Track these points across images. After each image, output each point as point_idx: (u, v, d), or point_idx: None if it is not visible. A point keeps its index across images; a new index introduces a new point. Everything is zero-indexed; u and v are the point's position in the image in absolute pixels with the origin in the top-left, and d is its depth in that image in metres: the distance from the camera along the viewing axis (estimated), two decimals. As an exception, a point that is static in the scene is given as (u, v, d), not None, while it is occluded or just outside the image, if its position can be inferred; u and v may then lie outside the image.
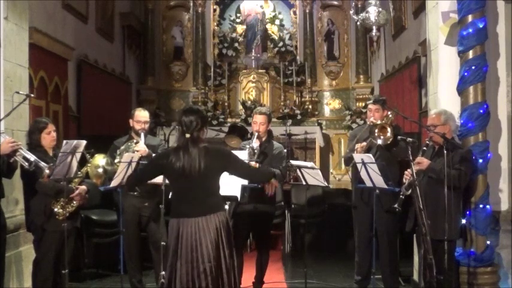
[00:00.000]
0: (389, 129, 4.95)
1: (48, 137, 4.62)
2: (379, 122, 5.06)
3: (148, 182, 4.15)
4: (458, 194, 4.52)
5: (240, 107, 11.54)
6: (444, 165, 4.29)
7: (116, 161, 4.83)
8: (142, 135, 5.13)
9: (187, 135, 3.62)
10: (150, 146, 5.13)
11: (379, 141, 4.97)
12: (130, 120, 5.23)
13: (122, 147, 5.05)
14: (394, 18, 8.98)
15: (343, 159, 5.50)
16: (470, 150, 4.63)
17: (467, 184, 4.60)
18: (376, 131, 4.98)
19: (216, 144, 5.98)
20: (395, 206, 4.46)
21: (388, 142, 4.95)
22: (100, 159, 4.71)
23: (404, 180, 4.56)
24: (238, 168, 3.86)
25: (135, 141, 5.09)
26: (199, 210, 3.63)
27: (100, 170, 4.67)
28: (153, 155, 4.92)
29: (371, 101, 5.33)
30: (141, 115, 5.21)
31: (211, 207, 3.66)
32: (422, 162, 4.48)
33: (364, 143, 5.07)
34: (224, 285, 3.62)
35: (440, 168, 4.37)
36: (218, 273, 3.61)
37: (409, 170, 4.48)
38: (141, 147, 4.99)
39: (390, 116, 5.14)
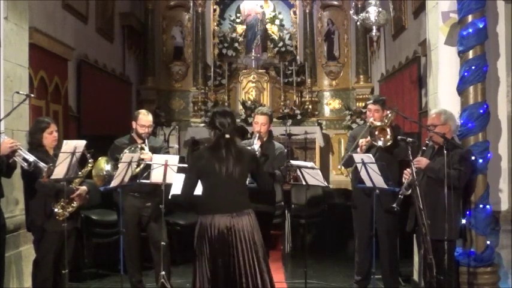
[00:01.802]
0: (389, 131, 4.95)
1: (50, 137, 4.62)
2: (378, 123, 5.07)
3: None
4: (458, 194, 4.52)
5: (240, 107, 11.54)
6: (444, 165, 4.29)
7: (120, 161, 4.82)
8: (146, 141, 5.10)
9: (227, 136, 3.80)
10: (153, 148, 5.13)
11: (380, 143, 4.98)
12: (133, 123, 5.18)
13: (127, 151, 5.00)
14: (394, 18, 8.99)
15: (342, 162, 5.49)
16: (469, 150, 4.63)
17: (466, 184, 4.60)
18: (376, 132, 4.99)
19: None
20: (394, 205, 4.46)
21: (388, 144, 4.95)
22: (105, 164, 4.73)
23: (403, 180, 4.56)
24: (260, 171, 4.06)
25: (139, 146, 5.06)
26: (234, 206, 3.78)
27: (105, 173, 4.70)
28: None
29: (371, 101, 5.33)
30: (145, 119, 5.14)
31: (244, 204, 3.84)
32: (421, 161, 4.48)
33: (369, 138, 5.08)
34: (259, 279, 3.74)
35: (439, 168, 4.37)
36: (255, 268, 3.74)
37: (408, 169, 4.48)
38: (147, 156, 4.96)
39: (390, 115, 5.14)
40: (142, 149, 5.03)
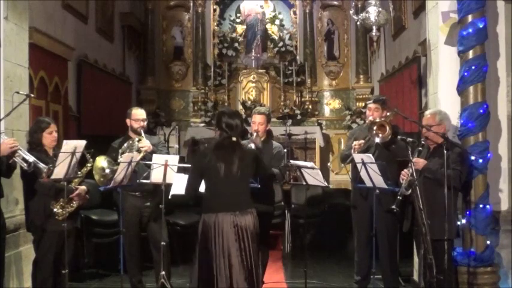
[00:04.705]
0: (387, 128, 4.95)
1: (50, 137, 4.62)
2: (377, 120, 5.07)
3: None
4: (455, 193, 4.53)
5: (240, 107, 11.53)
6: (442, 165, 4.30)
7: (120, 161, 4.83)
8: (143, 132, 5.14)
9: (234, 139, 3.89)
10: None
11: (377, 140, 4.97)
12: (128, 120, 5.23)
13: (125, 146, 5.04)
14: (394, 18, 8.98)
15: (340, 157, 5.51)
16: (466, 150, 4.63)
17: (464, 183, 4.60)
18: (375, 128, 4.98)
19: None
20: (394, 207, 4.46)
21: (387, 140, 4.95)
22: (102, 161, 4.73)
23: (401, 181, 4.55)
24: (261, 171, 4.18)
25: (137, 139, 5.10)
26: (237, 205, 3.86)
27: (108, 171, 4.73)
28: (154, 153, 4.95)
29: (371, 101, 5.34)
30: (139, 113, 5.23)
31: (247, 203, 3.91)
32: (418, 162, 4.48)
33: (362, 141, 5.08)
34: (254, 278, 3.82)
35: (437, 168, 4.37)
36: (252, 265, 3.82)
37: (405, 170, 4.48)
38: (146, 143, 5.01)
39: (389, 115, 5.15)
40: (139, 140, 5.06)
